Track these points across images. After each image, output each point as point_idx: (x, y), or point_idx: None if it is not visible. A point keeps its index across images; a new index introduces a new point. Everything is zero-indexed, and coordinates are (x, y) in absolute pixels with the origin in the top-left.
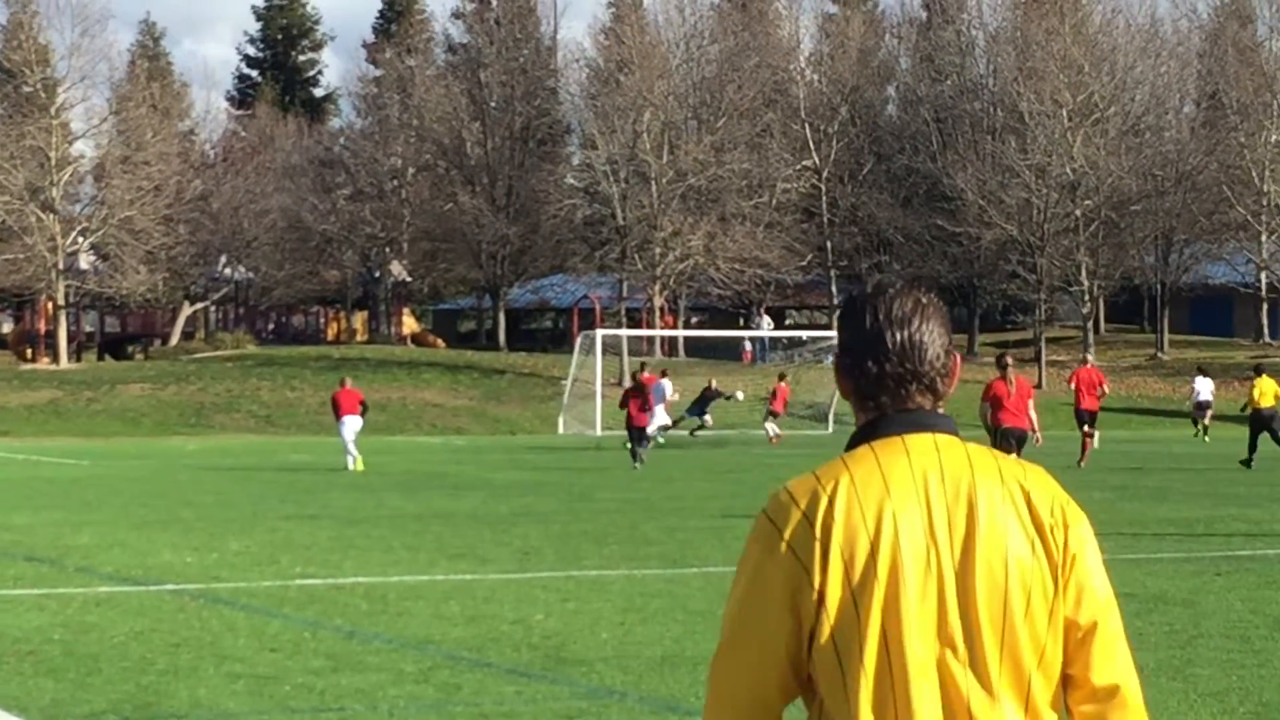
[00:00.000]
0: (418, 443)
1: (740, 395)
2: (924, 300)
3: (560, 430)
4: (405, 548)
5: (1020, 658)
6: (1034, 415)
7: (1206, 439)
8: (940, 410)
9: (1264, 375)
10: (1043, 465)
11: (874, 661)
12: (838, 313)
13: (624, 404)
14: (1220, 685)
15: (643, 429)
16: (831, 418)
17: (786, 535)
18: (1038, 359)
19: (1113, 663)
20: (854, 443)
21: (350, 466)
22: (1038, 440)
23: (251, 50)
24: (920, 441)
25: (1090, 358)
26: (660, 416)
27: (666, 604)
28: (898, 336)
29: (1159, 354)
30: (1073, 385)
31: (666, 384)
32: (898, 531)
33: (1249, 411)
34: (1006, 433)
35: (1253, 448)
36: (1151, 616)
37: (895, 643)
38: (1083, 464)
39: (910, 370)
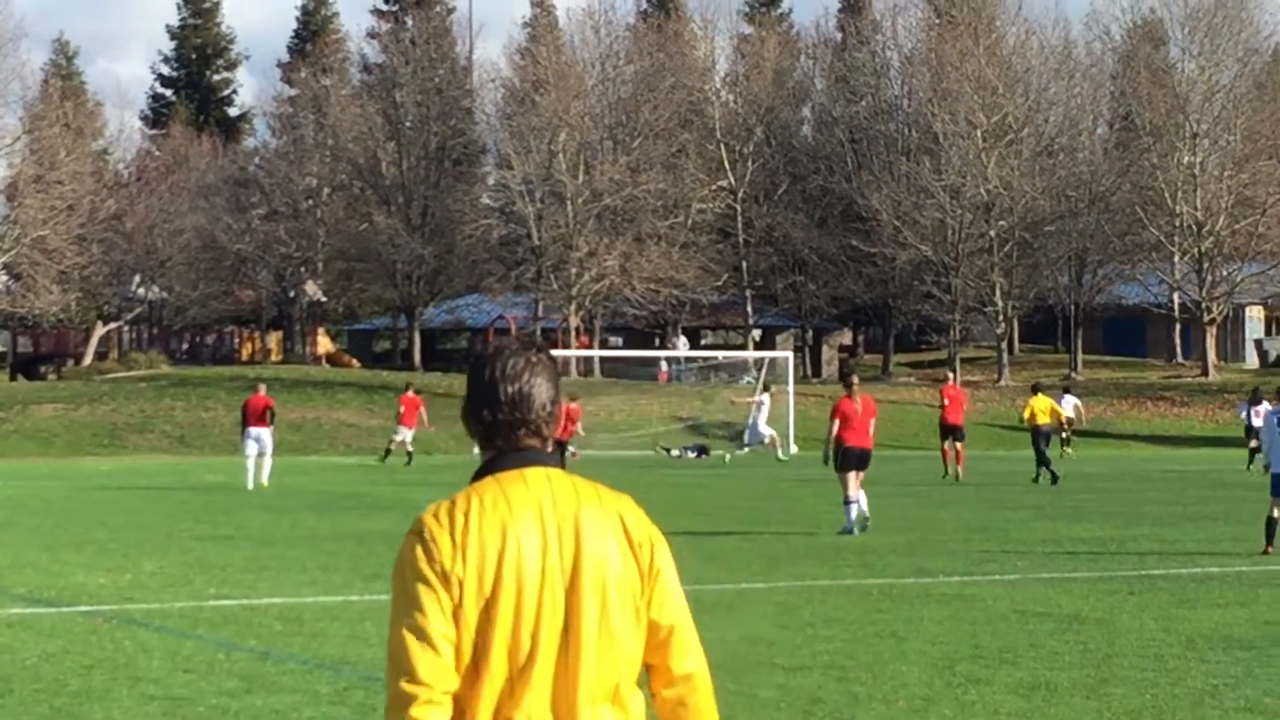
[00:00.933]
0: (332, 463)
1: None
2: (534, 359)
3: (475, 450)
4: (320, 568)
5: (617, 651)
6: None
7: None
8: (548, 449)
9: (1039, 394)
10: (966, 483)
11: (502, 657)
12: (468, 367)
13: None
14: (1135, 704)
15: (562, 444)
16: (747, 437)
17: (433, 551)
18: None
19: (689, 655)
20: (478, 476)
21: (250, 484)
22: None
23: (166, 69)
24: (535, 474)
25: (953, 375)
26: None
27: None
28: (509, 390)
29: (1073, 374)
30: (945, 400)
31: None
32: (520, 547)
33: (1029, 428)
34: (848, 451)
35: (1042, 460)
36: (1066, 636)
37: (517, 641)
38: (960, 475)
39: (519, 418)
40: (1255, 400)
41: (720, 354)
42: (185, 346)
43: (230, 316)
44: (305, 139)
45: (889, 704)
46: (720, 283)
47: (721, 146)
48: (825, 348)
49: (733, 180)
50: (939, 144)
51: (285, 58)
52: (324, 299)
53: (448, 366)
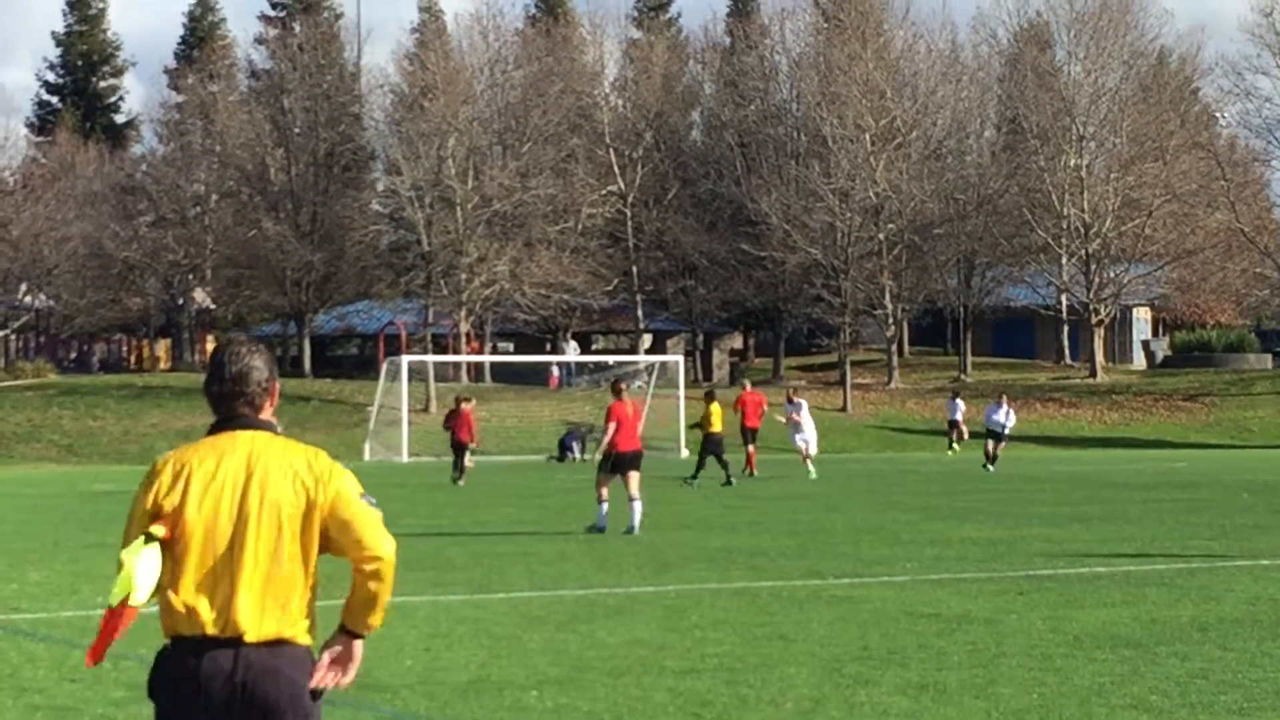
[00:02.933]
0: None
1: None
2: (253, 348)
3: (366, 457)
4: None
5: (281, 564)
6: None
7: (953, 452)
8: (263, 416)
9: (715, 401)
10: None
11: (193, 560)
12: (210, 357)
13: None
14: (1022, 704)
15: (463, 444)
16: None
17: (152, 483)
18: (843, 382)
19: (372, 544)
20: (209, 434)
21: None
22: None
23: (51, 76)
24: (243, 435)
25: (749, 384)
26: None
27: (471, 629)
28: (232, 369)
29: (962, 376)
30: (738, 408)
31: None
32: (218, 485)
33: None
34: (620, 456)
35: (700, 466)
36: (954, 636)
37: (204, 551)
38: (754, 473)
39: (238, 390)
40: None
41: (611, 358)
42: (73, 355)
43: (118, 324)
44: (193, 146)
45: (778, 706)
46: (610, 287)
47: (611, 151)
48: (716, 351)
49: (622, 185)
50: (828, 147)
51: (172, 64)
52: (213, 306)
53: (338, 373)
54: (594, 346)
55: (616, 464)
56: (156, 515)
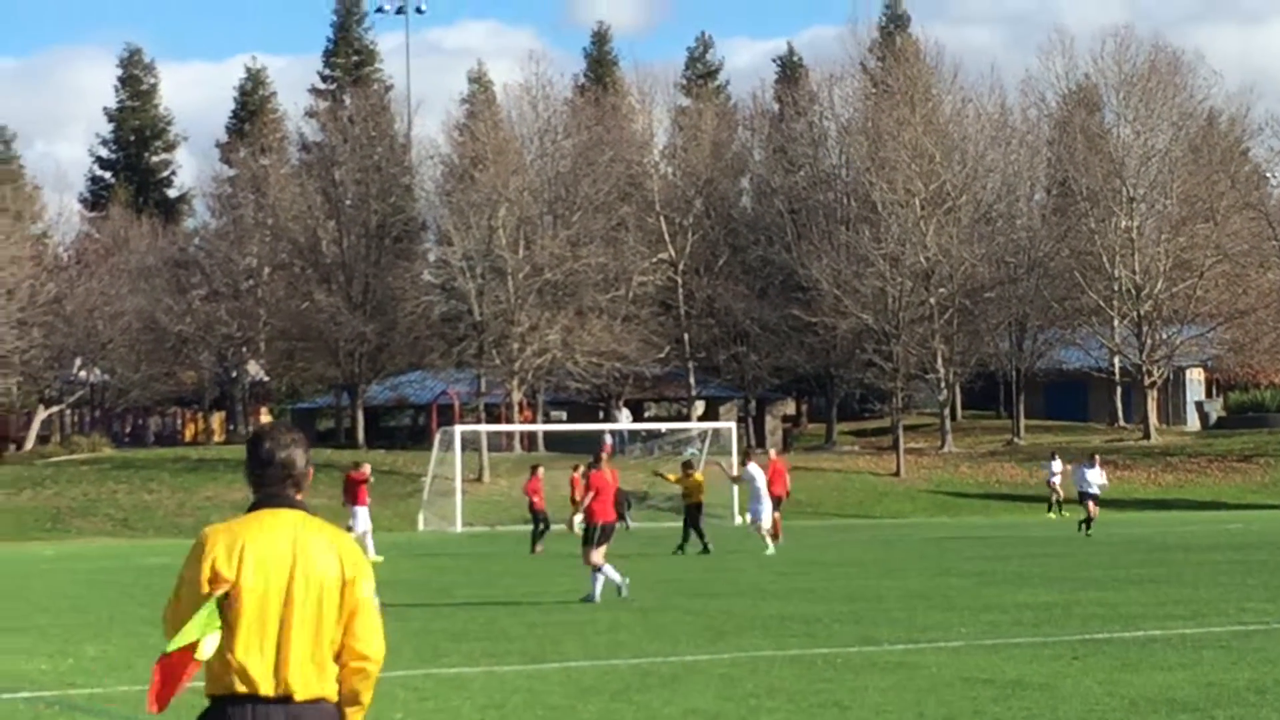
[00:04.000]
0: None
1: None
2: (295, 435)
3: (420, 527)
4: None
5: (323, 632)
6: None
7: (1058, 515)
8: (300, 497)
9: (696, 473)
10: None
11: (247, 622)
12: (249, 439)
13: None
14: None
15: (540, 512)
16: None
17: (207, 552)
18: (895, 446)
19: (370, 641)
20: (251, 509)
21: None
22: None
23: (104, 152)
24: (286, 513)
25: (774, 451)
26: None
27: (526, 700)
28: (280, 455)
29: (1015, 439)
30: (769, 474)
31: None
32: (266, 558)
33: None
34: (604, 527)
35: (686, 537)
36: (1009, 702)
37: (261, 619)
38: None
39: (286, 474)
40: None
41: (664, 425)
42: (128, 429)
43: (172, 398)
44: (245, 219)
45: None
46: (663, 355)
47: (661, 219)
48: (769, 418)
49: (673, 252)
50: (878, 213)
51: (224, 138)
52: (266, 378)
53: (391, 444)
54: (647, 414)
55: (600, 535)
56: (213, 582)
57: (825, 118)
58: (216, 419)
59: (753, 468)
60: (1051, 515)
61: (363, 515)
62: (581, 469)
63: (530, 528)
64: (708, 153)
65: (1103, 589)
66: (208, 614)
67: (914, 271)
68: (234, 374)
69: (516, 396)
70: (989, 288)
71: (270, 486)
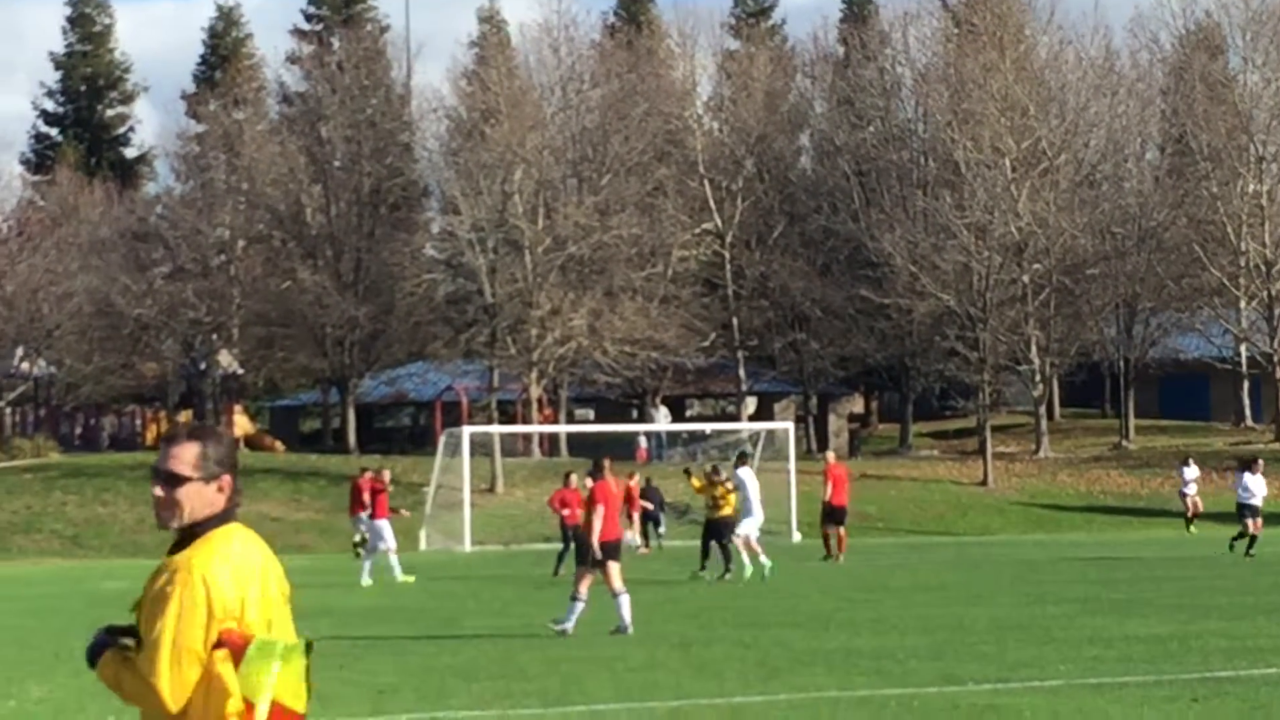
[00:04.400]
0: None
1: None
2: (202, 428)
3: (422, 545)
4: None
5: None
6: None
7: (1192, 531)
8: None
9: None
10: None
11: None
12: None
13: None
14: None
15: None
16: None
17: (234, 581)
18: (982, 450)
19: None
20: (222, 520)
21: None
22: (642, 549)
23: (50, 104)
24: (238, 525)
25: (833, 456)
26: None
27: None
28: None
29: (1124, 442)
30: (826, 482)
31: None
32: (262, 573)
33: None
34: (604, 545)
35: (706, 554)
36: None
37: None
38: (841, 558)
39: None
40: None
41: (709, 426)
42: (79, 430)
43: (131, 394)
44: (215, 183)
45: None
46: (707, 343)
47: (705, 183)
48: (833, 417)
49: (719, 222)
50: (961, 175)
51: (190, 88)
52: (240, 371)
53: (388, 448)
54: (688, 413)
55: (599, 553)
56: (238, 613)
57: (899, 63)
58: (183, 418)
59: (744, 473)
60: (1193, 531)
61: (386, 530)
62: (575, 479)
63: (559, 546)
64: (760, 105)
65: (1227, 619)
66: (269, 665)
67: (1004, 244)
68: (203, 366)
69: (535, 392)
70: (1092, 263)
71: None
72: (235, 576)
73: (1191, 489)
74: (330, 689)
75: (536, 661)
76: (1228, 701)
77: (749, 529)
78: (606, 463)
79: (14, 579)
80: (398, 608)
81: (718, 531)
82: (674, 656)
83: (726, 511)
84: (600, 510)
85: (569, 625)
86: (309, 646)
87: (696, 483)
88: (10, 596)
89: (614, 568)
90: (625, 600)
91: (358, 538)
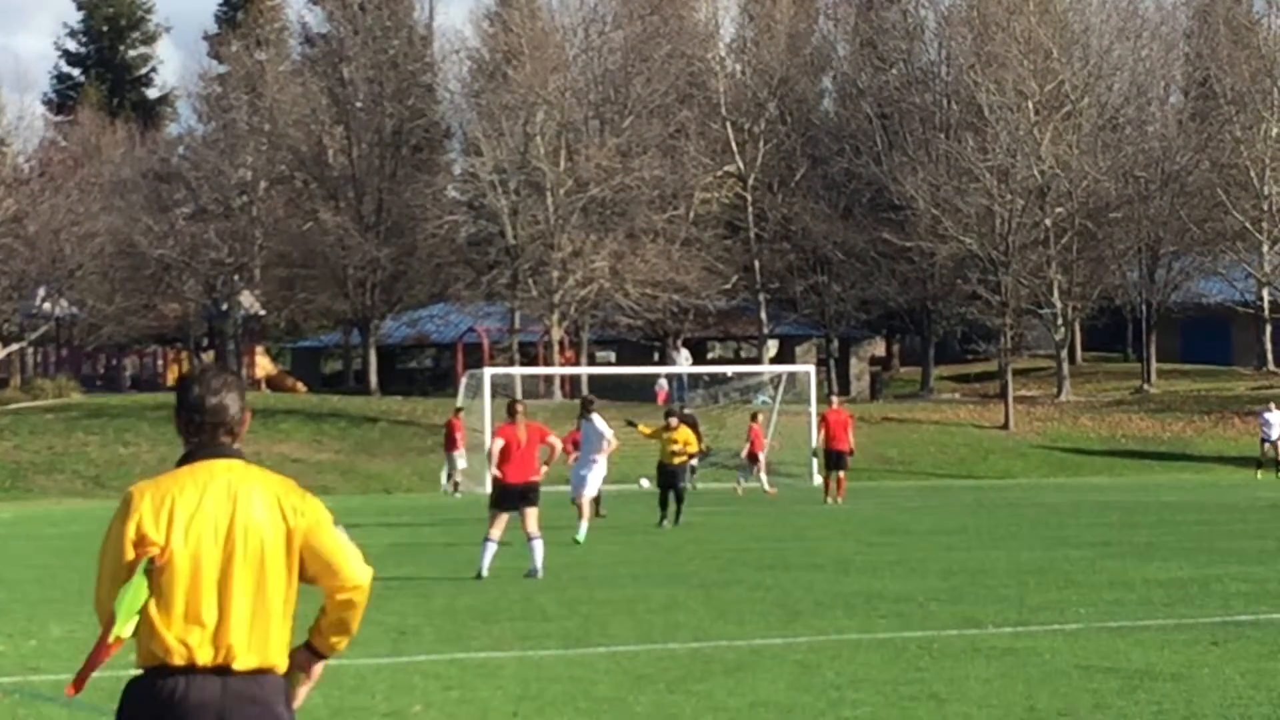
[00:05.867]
0: None
1: (645, 483)
2: (228, 379)
3: (443, 487)
4: None
5: (265, 589)
6: (553, 452)
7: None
8: (236, 445)
9: (684, 426)
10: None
11: (180, 593)
12: (177, 384)
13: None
14: None
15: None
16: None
17: (132, 512)
18: (1004, 394)
19: (348, 572)
20: (181, 462)
21: None
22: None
23: (72, 45)
24: (220, 464)
25: (836, 401)
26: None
27: (567, 690)
28: (210, 401)
29: (1146, 386)
30: (822, 428)
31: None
32: (199, 515)
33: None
34: (510, 491)
35: (679, 500)
36: (1136, 694)
37: (193, 577)
38: (840, 500)
39: (218, 420)
40: None
41: (730, 369)
42: (100, 371)
43: (153, 335)
44: (237, 124)
45: None
46: (729, 285)
47: (728, 125)
48: (854, 360)
49: (741, 165)
50: (984, 118)
51: (213, 29)
52: (262, 312)
53: (409, 389)
54: (710, 355)
55: (502, 498)
56: (139, 546)
57: (922, 5)
58: (205, 359)
59: (597, 421)
60: (1260, 477)
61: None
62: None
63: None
64: (783, 47)
65: (1248, 563)
66: (137, 584)
67: (1026, 188)
68: (224, 307)
69: (556, 334)
70: (1115, 207)
71: (201, 435)
72: (157, 510)
73: (1275, 431)
74: None
75: (556, 603)
76: (1248, 645)
77: (593, 487)
78: (519, 407)
79: (36, 519)
80: (421, 549)
81: (673, 476)
82: (694, 598)
83: (681, 460)
84: (499, 452)
85: (483, 567)
86: (148, 567)
87: (645, 429)
88: (32, 536)
89: (530, 513)
90: (539, 545)
91: (445, 474)
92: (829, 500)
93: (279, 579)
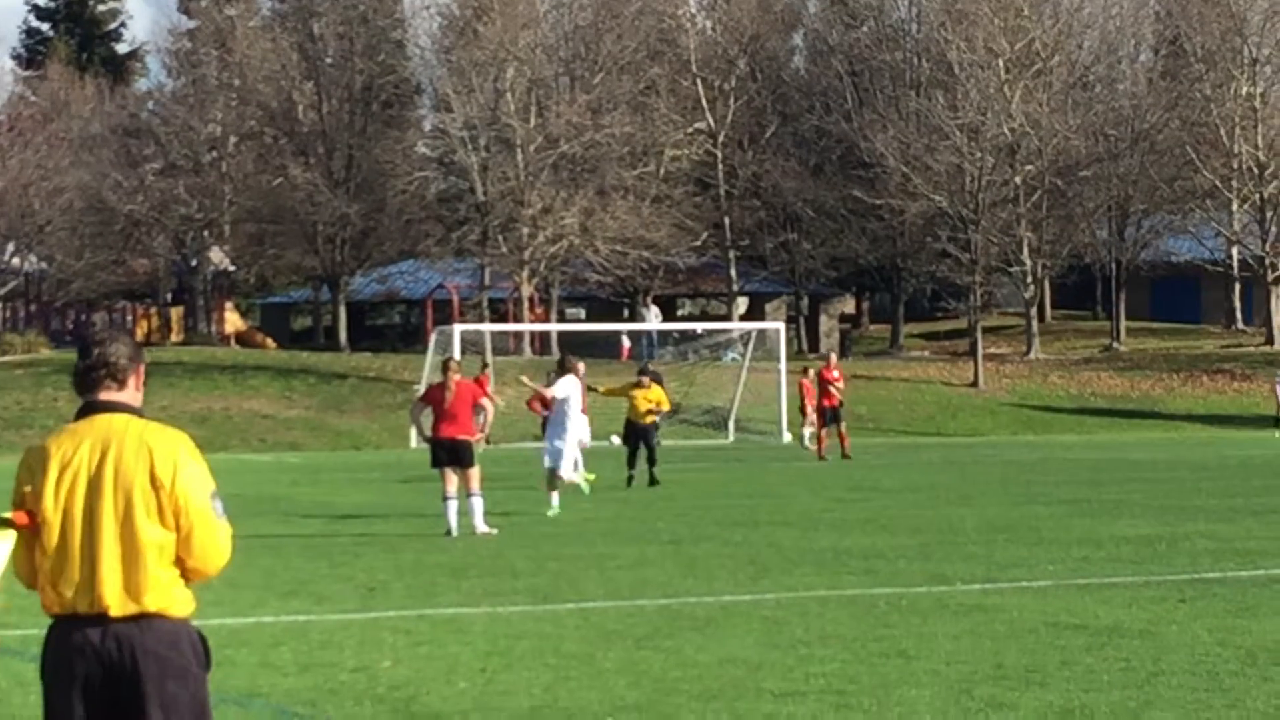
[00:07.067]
0: (244, 461)
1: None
2: (117, 333)
3: (413, 444)
4: (227, 584)
5: (139, 544)
6: (487, 416)
7: None
8: (127, 397)
9: (656, 384)
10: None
11: (54, 540)
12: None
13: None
14: None
15: None
16: (732, 424)
17: (21, 467)
18: (973, 352)
19: (205, 554)
20: (76, 418)
21: None
22: (481, 440)
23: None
24: (103, 418)
25: (834, 357)
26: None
27: (535, 646)
28: (96, 352)
29: (1115, 344)
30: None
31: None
32: (65, 463)
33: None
34: (438, 446)
35: (633, 463)
36: (1104, 651)
37: (65, 528)
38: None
39: (105, 374)
40: None
41: (699, 326)
42: (70, 326)
43: (122, 290)
44: (207, 79)
45: None
46: (699, 242)
47: (698, 82)
48: (824, 317)
49: (712, 122)
50: (954, 76)
51: None
52: (232, 268)
53: (379, 345)
54: (680, 312)
55: (434, 455)
56: (21, 503)
57: None
58: (174, 315)
59: (566, 384)
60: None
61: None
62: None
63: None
64: (753, 4)
65: (1216, 520)
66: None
67: (996, 145)
68: (194, 262)
69: (526, 291)
70: (1085, 165)
71: (90, 390)
72: (34, 466)
73: None
74: (321, 586)
75: (526, 559)
76: (1215, 602)
77: (566, 461)
78: (452, 364)
79: (5, 474)
80: (390, 505)
81: (645, 434)
82: (664, 555)
83: (651, 418)
84: (425, 412)
85: (451, 526)
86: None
87: (604, 389)
88: (3, 491)
89: (469, 472)
90: (478, 502)
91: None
92: (828, 457)
93: (150, 529)
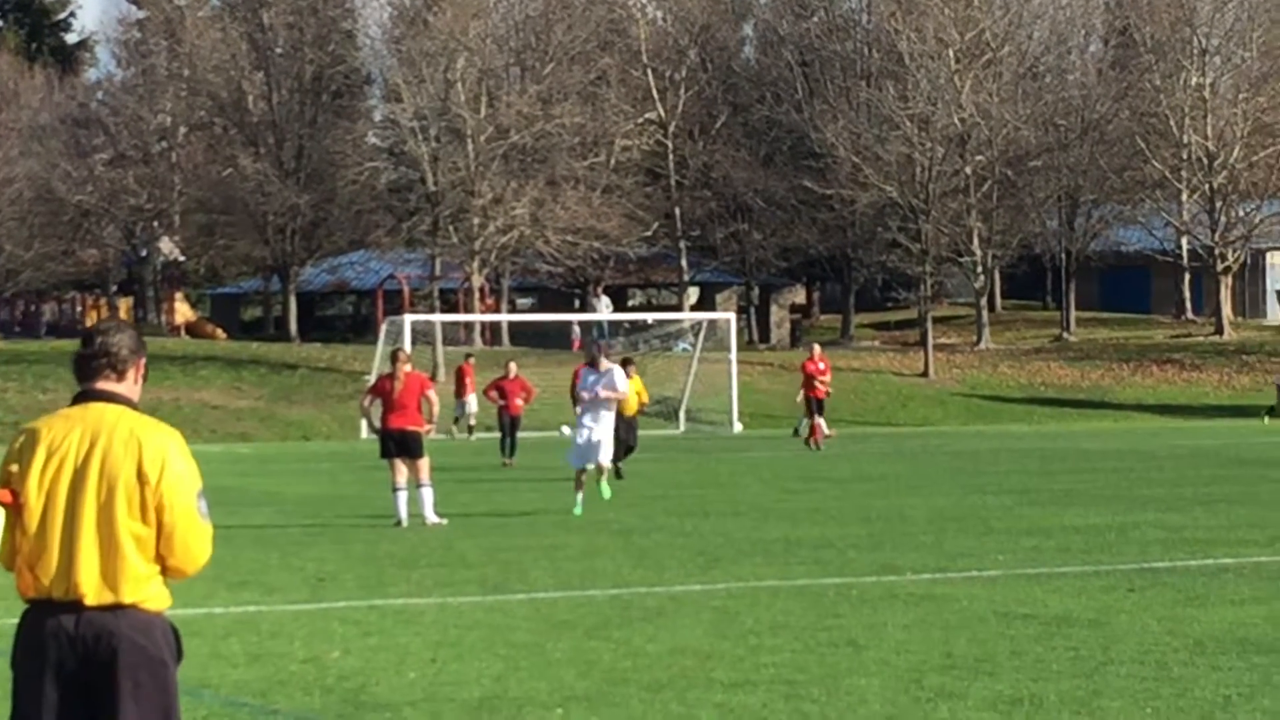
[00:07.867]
0: (195, 452)
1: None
2: (124, 324)
3: (363, 435)
4: None
5: (117, 536)
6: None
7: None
8: (124, 389)
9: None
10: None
11: (35, 523)
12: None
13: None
14: (1133, 719)
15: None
16: (683, 415)
17: (9, 450)
18: (923, 342)
19: (184, 553)
20: (70, 404)
21: None
22: (430, 431)
23: None
24: (96, 407)
25: (818, 348)
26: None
27: (485, 636)
28: (97, 341)
29: (1065, 334)
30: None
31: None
32: (53, 448)
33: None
34: (386, 438)
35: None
36: (1054, 641)
37: (43, 524)
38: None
39: (104, 364)
40: None
41: (650, 316)
42: (18, 317)
43: (71, 281)
44: (157, 69)
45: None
46: (649, 233)
47: (649, 72)
48: (775, 307)
49: (662, 112)
50: (904, 66)
51: None
52: (182, 258)
53: (329, 336)
54: (630, 302)
55: (382, 446)
56: (6, 481)
57: None
58: (123, 305)
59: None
60: (1266, 421)
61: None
62: (514, 369)
63: (499, 435)
64: None
65: (1165, 510)
66: None
67: (946, 135)
68: (144, 253)
69: (477, 281)
70: (1035, 155)
71: (89, 378)
72: (23, 449)
73: None
74: (271, 576)
75: (476, 549)
76: (1164, 592)
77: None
78: (401, 355)
79: None
80: (340, 496)
81: (630, 427)
82: (614, 545)
83: (631, 411)
84: (375, 404)
85: (400, 516)
86: None
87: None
88: None
89: (418, 463)
90: (428, 493)
91: (454, 418)
92: (814, 446)
93: (133, 521)
